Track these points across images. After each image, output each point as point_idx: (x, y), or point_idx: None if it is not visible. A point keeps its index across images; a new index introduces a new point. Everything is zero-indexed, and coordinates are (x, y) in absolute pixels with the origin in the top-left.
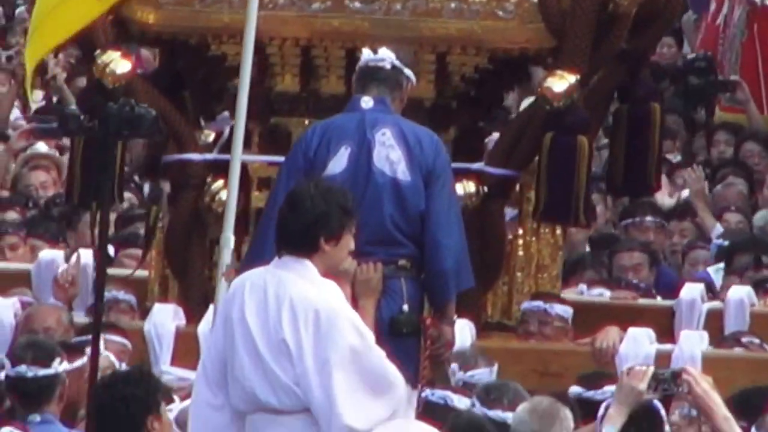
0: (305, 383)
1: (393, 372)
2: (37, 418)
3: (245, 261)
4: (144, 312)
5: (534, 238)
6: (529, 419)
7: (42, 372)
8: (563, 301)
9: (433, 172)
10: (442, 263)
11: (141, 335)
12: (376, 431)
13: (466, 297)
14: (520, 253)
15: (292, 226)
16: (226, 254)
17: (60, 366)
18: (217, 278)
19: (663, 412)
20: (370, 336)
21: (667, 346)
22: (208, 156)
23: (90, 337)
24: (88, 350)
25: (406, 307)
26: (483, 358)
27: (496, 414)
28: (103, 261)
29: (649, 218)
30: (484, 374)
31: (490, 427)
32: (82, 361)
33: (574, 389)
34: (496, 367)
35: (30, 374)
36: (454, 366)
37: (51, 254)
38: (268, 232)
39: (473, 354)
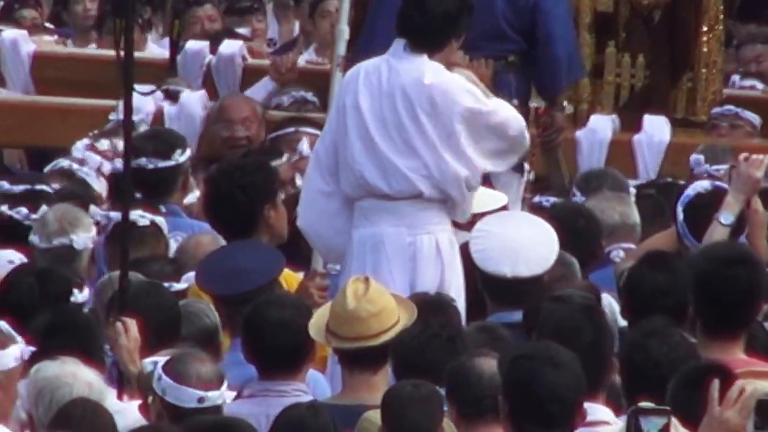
0: (436, 162)
1: (513, 123)
2: (162, 209)
3: (355, 51)
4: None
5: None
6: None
7: (162, 164)
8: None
9: None
10: (555, 53)
11: None
12: (487, 218)
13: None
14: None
15: (420, 24)
16: (341, 46)
17: (181, 157)
18: (333, 68)
19: None
20: (484, 96)
21: None
22: None
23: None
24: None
25: (515, 102)
26: (730, 156)
27: None
28: None
29: None
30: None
31: (589, 215)
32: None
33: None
34: None
35: (150, 166)
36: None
37: (198, 44)
38: (377, 22)
39: (724, 150)
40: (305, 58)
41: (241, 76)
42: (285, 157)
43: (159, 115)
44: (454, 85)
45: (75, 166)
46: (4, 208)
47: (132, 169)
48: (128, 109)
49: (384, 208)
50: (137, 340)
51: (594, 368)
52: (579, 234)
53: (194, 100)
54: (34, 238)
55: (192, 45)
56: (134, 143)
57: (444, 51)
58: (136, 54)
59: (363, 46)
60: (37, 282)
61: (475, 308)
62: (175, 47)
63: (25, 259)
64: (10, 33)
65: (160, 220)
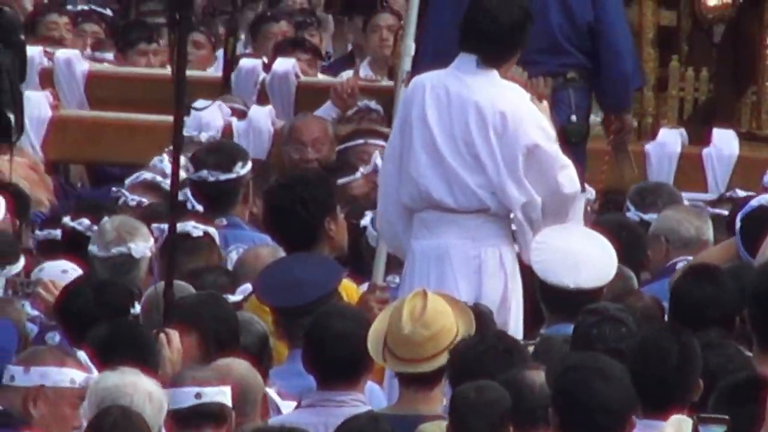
0: (500, 183)
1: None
2: (223, 221)
3: (417, 62)
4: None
5: None
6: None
7: (223, 176)
8: None
9: None
10: (623, 68)
11: None
12: (546, 230)
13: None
14: None
15: (486, 33)
16: (407, 61)
17: (242, 169)
18: (398, 83)
19: None
20: (554, 135)
21: None
22: None
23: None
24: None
25: (574, 118)
26: None
27: (651, 218)
28: None
29: None
30: None
31: (632, 228)
32: (350, 177)
33: None
34: None
35: (211, 178)
36: None
37: (252, 61)
38: (433, 30)
39: None
40: (360, 73)
41: (295, 94)
42: (359, 173)
43: (228, 131)
44: (531, 117)
45: (158, 178)
46: (67, 219)
47: (193, 182)
48: (178, 125)
49: (448, 220)
50: (180, 351)
51: (679, 389)
52: (623, 246)
53: (263, 116)
54: (92, 248)
55: (246, 62)
56: (196, 156)
57: (510, 62)
58: (189, 71)
59: (424, 57)
60: (96, 293)
61: (532, 320)
62: (230, 65)
63: (77, 269)
64: (64, 52)
65: (212, 230)
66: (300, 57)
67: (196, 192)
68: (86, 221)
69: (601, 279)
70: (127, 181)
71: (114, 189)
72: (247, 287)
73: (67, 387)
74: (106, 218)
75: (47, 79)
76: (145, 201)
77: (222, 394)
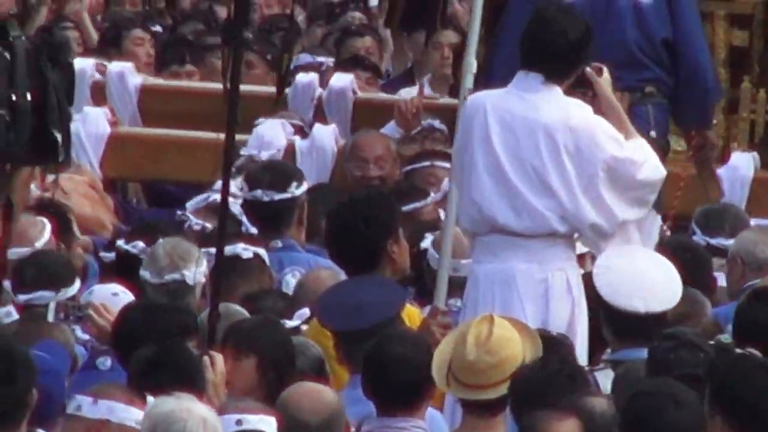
0: (573, 204)
1: (651, 167)
2: (278, 243)
3: (484, 78)
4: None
5: None
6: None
7: (278, 196)
8: None
9: None
10: (705, 83)
11: None
12: (608, 252)
13: None
14: None
15: (552, 48)
16: (468, 79)
17: (297, 189)
18: (460, 102)
19: None
20: (621, 136)
21: None
22: None
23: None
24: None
25: (653, 133)
26: None
27: (718, 242)
28: None
29: None
30: None
31: (695, 249)
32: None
33: None
34: None
35: (265, 198)
36: None
37: (308, 77)
38: (502, 51)
39: None
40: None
41: (352, 110)
42: (430, 198)
43: (290, 150)
44: (600, 129)
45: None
46: (121, 242)
47: (247, 202)
48: (229, 142)
49: (513, 243)
50: (223, 374)
51: None
52: (686, 269)
53: (326, 134)
54: (144, 273)
55: (302, 78)
56: (250, 175)
57: (571, 78)
58: (246, 87)
59: (490, 74)
60: (150, 317)
61: (594, 344)
62: (283, 81)
63: (128, 292)
64: (117, 66)
65: (263, 252)
66: (359, 75)
67: (250, 213)
68: (141, 244)
69: (670, 302)
70: (191, 204)
71: (179, 212)
72: (305, 312)
73: (131, 426)
74: (159, 241)
75: (99, 94)
76: (210, 226)
77: (264, 423)
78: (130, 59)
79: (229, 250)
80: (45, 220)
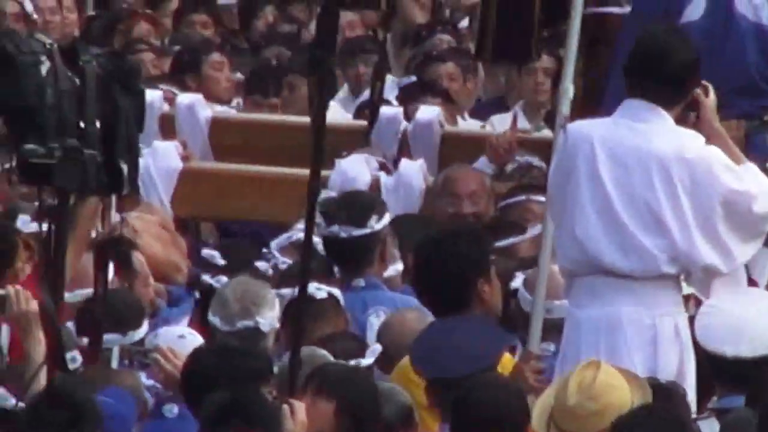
0: (687, 243)
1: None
2: (360, 282)
3: (601, 102)
4: None
5: None
6: None
7: (356, 231)
8: None
9: None
10: None
11: None
12: (720, 293)
13: None
14: None
15: (661, 72)
16: (565, 105)
17: (377, 224)
18: (556, 129)
19: None
20: (743, 175)
21: None
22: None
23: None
24: None
25: None
26: None
27: None
28: None
29: None
30: None
31: None
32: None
33: None
34: None
35: (344, 234)
36: None
37: (393, 109)
38: (615, 79)
39: None
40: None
41: (439, 145)
42: (528, 234)
43: (375, 187)
44: (717, 161)
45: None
46: (206, 276)
47: (325, 239)
48: (314, 178)
49: (618, 285)
50: (304, 425)
51: None
52: None
53: (413, 170)
54: (214, 320)
55: (386, 110)
56: (326, 209)
57: (681, 104)
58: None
59: (601, 100)
60: (222, 362)
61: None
62: (376, 111)
63: (195, 334)
64: (186, 97)
65: (337, 292)
66: (429, 101)
67: (329, 250)
68: (225, 279)
69: (764, 347)
70: (276, 243)
71: (264, 250)
72: (377, 348)
73: None
74: (227, 284)
75: (168, 126)
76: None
77: None
78: (208, 85)
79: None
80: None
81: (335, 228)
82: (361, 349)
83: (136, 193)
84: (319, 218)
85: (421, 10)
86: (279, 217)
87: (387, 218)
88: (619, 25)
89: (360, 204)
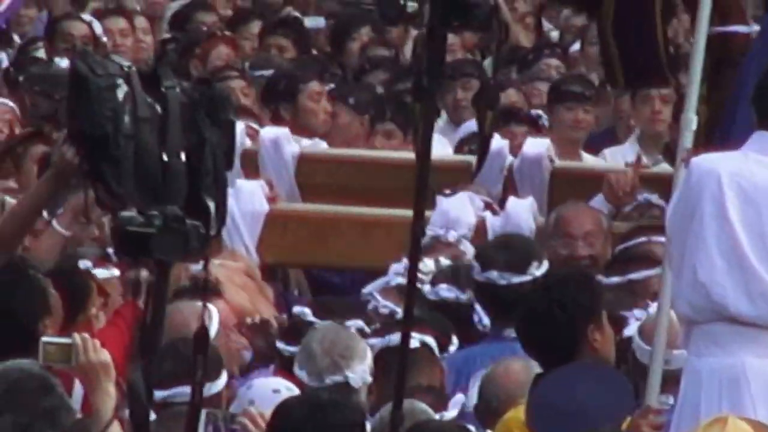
0: None
1: None
2: (512, 333)
3: (716, 139)
4: None
5: None
6: None
7: (516, 279)
8: None
9: None
10: None
11: None
12: None
13: None
14: None
15: None
16: (687, 137)
17: (537, 270)
18: (677, 163)
19: None
20: None
21: None
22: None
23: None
24: None
25: None
26: None
27: None
28: None
29: None
30: None
31: None
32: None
33: None
34: None
35: (502, 282)
36: None
37: (498, 143)
38: (736, 108)
39: None
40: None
41: (549, 182)
42: (653, 271)
43: (481, 228)
44: None
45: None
46: (281, 344)
47: (479, 285)
48: (419, 217)
49: (742, 334)
50: None
51: None
52: None
53: (522, 209)
54: (301, 374)
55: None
56: (483, 253)
57: None
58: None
59: (722, 135)
60: (313, 416)
61: None
62: (488, 144)
63: (293, 387)
64: (271, 132)
65: (429, 340)
66: (513, 129)
67: (483, 297)
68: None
69: None
70: (372, 286)
71: (365, 291)
72: (460, 398)
73: None
74: (313, 334)
75: (250, 163)
76: (399, 310)
77: None
78: (306, 117)
79: (393, 339)
80: (211, 306)
81: (493, 274)
82: (440, 401)
83: (219, 239)
84: (474, 262)
85: (526, 31)
86: (375, 263)
87: (546, 265)
88: (745, 47)
89: (521, 249)
